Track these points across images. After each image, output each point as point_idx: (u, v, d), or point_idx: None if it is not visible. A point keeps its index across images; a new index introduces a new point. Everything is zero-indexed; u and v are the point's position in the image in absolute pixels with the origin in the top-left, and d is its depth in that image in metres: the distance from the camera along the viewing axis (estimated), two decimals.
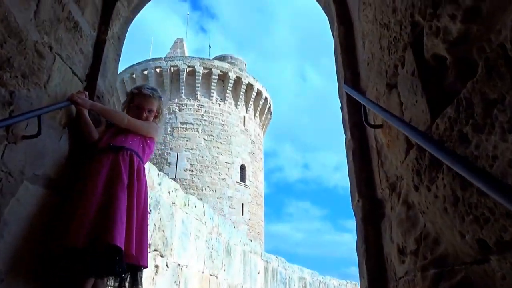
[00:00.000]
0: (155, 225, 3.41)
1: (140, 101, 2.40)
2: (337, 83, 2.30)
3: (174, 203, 3.85)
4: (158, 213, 3.53)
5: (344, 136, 2.15)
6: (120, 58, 2.71)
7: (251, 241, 6.54)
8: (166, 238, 3.60)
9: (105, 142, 2.19)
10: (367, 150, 1.92)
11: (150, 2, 2.99)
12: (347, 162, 2.10)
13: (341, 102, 2.29)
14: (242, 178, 23.03)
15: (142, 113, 2.38)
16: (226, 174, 22.24)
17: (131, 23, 2.89)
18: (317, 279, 10.67)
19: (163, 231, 3.58)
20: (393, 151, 1.50)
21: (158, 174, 3.67)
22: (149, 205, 3.28)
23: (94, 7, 2.42)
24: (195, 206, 4.31)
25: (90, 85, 2.37)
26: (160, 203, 3.56)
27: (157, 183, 3.57)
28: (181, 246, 3.87)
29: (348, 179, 2.06)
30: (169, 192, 3.78)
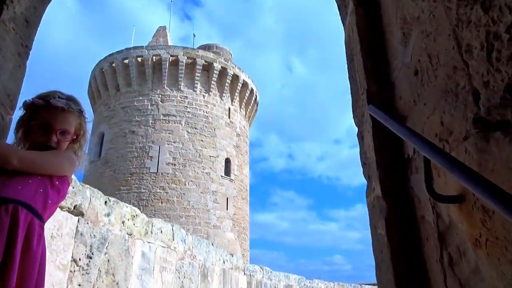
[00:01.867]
0: (99, 271, 2.60)
1: (48, 117, 1.54)
2: (350, 96, 1.49)
3: (130, 234, 3.04)
4: (106, 254, 2.72)
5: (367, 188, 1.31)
6: (29, 51, 1.81)
7: (232, 255, 5.76)
8: (117, 283, 2.79)
9: None
10: (414, 223, 1.10)
11: None
12: (373, 247, 1.26)
13: (358, 128, 1.45)
14: (227, 172, 22.20)
15: (51, 136, 1.53)
16: (210, 168, 21.37)
17: (50, 2, 2.00)
18: (304, 284, 10.00)
19: (112, 275, 2.77)
20: (494, 263, 0.72)
21: (106, 202, 2.82)
22: (91, 247, 2.48)
23: None
24: (161, 231, 3.49)
25: None
26: (108, 240, 2.74)
27: (104, 215, 2.74)
28: (140, 286, 3.09)
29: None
30: (123, 222, 2.96)
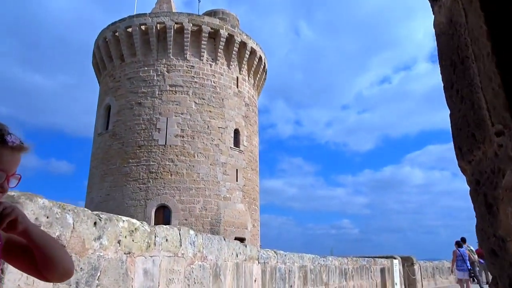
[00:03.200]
0: None
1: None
2: (451, 124, 0.91)
3: (129, 253, 2.57)
4: (98, 287, 2.26)
5: None
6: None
7: (246, 246, 5.33)
8: None
9: None
10: None
11: None
12: None
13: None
14: (236, 143, 21.72)
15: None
16: (219, 139, 20.89)
17: None
18: (318, 263, 9.72)
19: None
20: None
21: (96, 223, 2.31)
22: (77, 283, 2.00)
23: None
24: (166, 240, 3.02)
25: None
26: (100, 268, 2.27)
27: (93, 240, 2.24)
28: None
29: None
30: (119, 241, 2.49)
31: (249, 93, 23.61)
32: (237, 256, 5.04)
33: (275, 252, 7.04)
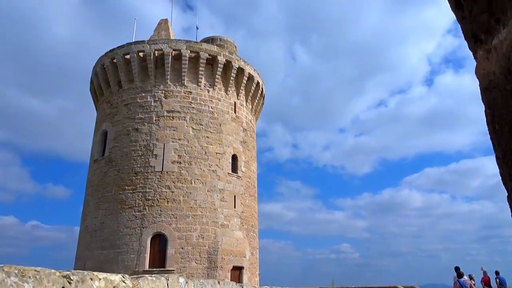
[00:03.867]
0: None
1: None
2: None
3: None
4: None
5: None
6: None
7: (242, 286, 4.96)
8: None
9: None
10: None
11: None
12: None
13: None
14: (234, 168, 21.41)
15: None
16: (217, 165, 20.58)
17: None
18: None
19: None
20: None
21: None
22: None
23: None
24: None
25: None
26: None
27: None
28: None
29: None
30: None
31: (247, 118, 23.48)
32: None
33: None
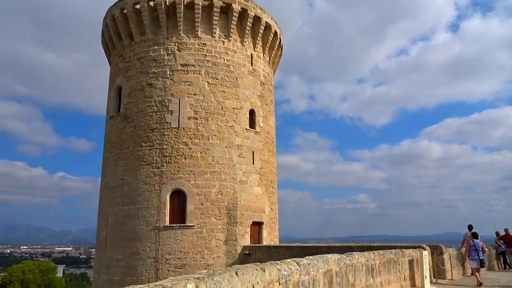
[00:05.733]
0: None
1: None
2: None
3: None
4: None
5: None
6: None
7: (265, 270, 4.32)
8: None
9: None
10: None
11: None
12: None
13: None
14: (252, 124, 20.55)
15: None
16: (234, 120, 19.75)
17: None
18: (344, 264, 8.72)
19: None
20: None
21: None
22: None
23: None
24: None
25: None
26: None
27: None
28: None
29: None
30: None
31: (264, 71, 22.20)
32: (253, 287, 4.02)
33: (297, 264, 6.01)
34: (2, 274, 57.69)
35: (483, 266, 13.52)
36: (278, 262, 5.49)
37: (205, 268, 17.47)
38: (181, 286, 2.58)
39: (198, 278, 2.94)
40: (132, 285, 2.21)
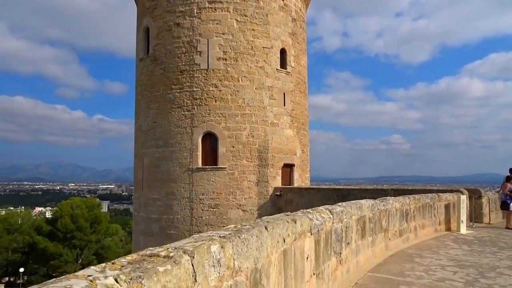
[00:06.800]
0: None
1: None
2: None
3: None
4: None
5: None
6: None
7: (296, 222, 4.12)
8: None
9: None
10: None
11: None
12: None
13: None
14: (283, 64, 19.69)
15: None
16: (264, 60, 18.96)
17: None
18: (378, 209, 8.49)
19: None
20: None
21: None
22: None
23: None
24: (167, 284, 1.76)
25: None
26: None
27: None
28: None
29: None
30: None
31: (296, 6, 20.74)
32: (284, 241, 3.82)
33: (330, 212, 5.77)
34: (54, 208, 62.86)
35: None
36: (310, 211, 5.26)
37: (238, 208, 17.92)
38: (205, 249, 2.35)
39: (224, 237, 2.72)
40: (151, 248, 1.99)
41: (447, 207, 11.86)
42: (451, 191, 12.83)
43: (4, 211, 58.72)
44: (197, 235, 2.76)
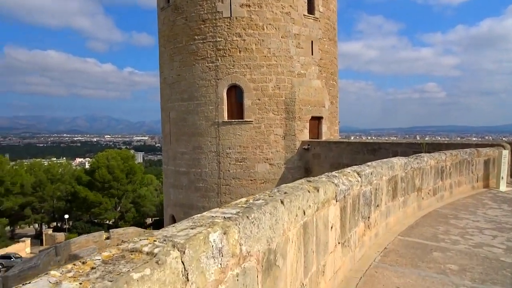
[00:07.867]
0: None
1: None
2: None
3: None
4: None
5: None
6: None
7: (318, 190, 3.67)
8: None
9: None
10: None
11: None
12: None
13: None
14: (310, 9, 18.29)
15: None
16: (290, 5, 17.65)
17: None
18: (411, 168, 7.90)
19: None
20: None
21: None
22: None
23: None
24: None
25: None
26: None
27: None
28: None
29: None
30: None
31: None
32: (304, 213, 3.39)
33: (358, 174, 5.25)
34: (92, 159, 65.66)
35: None
36: (335, 174, 4.76)
37: (265, 162, 17.68)
38: (201, 240, 1.94)
39: (229, 218, 2.30)
40: (136, 239, 1.60)
41: (486, 162, 11.02)
42: (492, 145, 11.87)
43: (47, 162, 62.03)
44: (198, 215, 2.37)
